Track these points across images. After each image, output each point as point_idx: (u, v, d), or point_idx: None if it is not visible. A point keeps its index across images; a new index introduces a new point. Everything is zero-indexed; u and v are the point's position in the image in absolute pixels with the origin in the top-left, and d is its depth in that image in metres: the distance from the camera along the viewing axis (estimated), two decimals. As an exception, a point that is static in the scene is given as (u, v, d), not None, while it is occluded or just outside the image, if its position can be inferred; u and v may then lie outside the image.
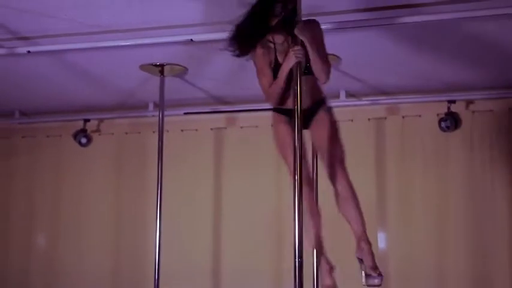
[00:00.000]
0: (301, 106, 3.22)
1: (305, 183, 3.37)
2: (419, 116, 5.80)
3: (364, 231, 3.64)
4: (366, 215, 5.74)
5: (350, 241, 5.79)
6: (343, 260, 5.73)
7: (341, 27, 4.02)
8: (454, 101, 5.61)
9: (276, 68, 3.44)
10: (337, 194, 3.59)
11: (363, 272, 3.60)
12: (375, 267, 3.54)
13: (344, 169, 3.52)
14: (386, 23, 3.93)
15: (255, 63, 3.55)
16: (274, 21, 3.42)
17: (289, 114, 3.36)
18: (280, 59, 3.44)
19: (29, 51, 4.48)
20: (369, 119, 5.90)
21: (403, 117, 5.84)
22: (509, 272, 5.41)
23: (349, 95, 5.78)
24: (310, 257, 4.53)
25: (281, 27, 3.43)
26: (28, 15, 4.03)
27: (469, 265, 5.51)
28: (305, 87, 3.35)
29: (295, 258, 3.11)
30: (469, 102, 5.70)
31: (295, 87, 3.26)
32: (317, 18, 3.90)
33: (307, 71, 3.43)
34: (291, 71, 3.34)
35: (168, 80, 5.26)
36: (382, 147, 5.82)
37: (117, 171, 6.58)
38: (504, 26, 4.13)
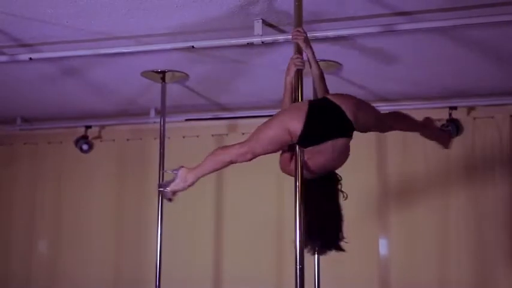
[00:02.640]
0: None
1: None
2: (421, 122, 5.79)
3: None
4: (367, 222, 5.79)
5: (351, 247, 5.81)
6: (345, 265, 5.77)
7: (342, 34, 4.02)
8: (455, 107, 5.60)
9: None
10: None
11: None
12: None
13: None
14: (387, 30, 3.91)
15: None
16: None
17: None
18: None
19: (30, 58, 4.45)
20: (370, 126, 5.89)
21: (404, 123, 5.83)
22: (511, 280, 5.40)
23: (350, 101, 5.76)
24: (312, 264, 4.52)
25: None
26: (30, 22, 4.02)
27: (471, 272, 5.50)
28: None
29: (296, 264, 3.08)
30: (470, 109, 5.70)
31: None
32: (318, 25, 3.93)
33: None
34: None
35: (170, 87, 5.26)
36: (383, 154, 5.81)
37: (119, 178, 6.59)
38: (505, 32, 4.12)
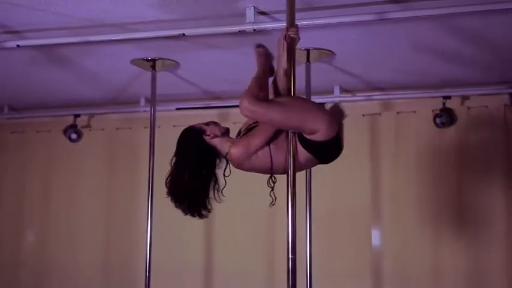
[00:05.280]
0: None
1: None
2: (414, 112, 5.77)
3: None
4: (360, 212, 5.77)
5: (344, 238, 5.80)
6: (338, 256, 5.75)
7: (335, 22, 3.97)
8: (449, 97, 5.56)
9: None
10: None
11: None
12: None
13: None
14: (380, 18, 3.88)
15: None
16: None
17: None
18: None
19: (18, 45, 4.39)
20: (363, 115, 5.86)
21: (397, 113, 5.80)
22: (505, 268, 5.40)
23: (343, 90, 5.74)
24: (304, 254, 4.50)
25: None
26: (17, 9, 3.96)
27: (464, 262, 5.48)
28: None
29: (288, 254, 3.08)
30: (464, 98, 5.66)
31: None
32: (311, 13, 3.88)
33: None
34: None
35: (160, 75, 5.20)
36: (376, 143, 5.78)
37: (108, 167, 6.53)
38: (499, 21, 4.09)
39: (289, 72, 3.27)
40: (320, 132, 3.12)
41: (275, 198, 3.28)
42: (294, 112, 3.13)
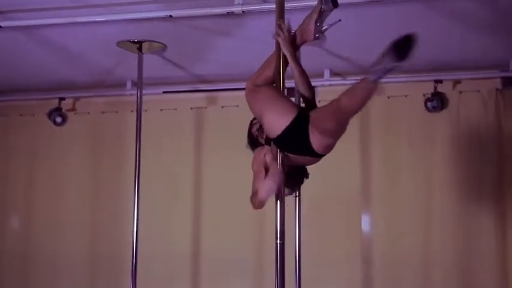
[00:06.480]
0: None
1: None
2: (405, 96, 5.72)
3: None
4: (350, 197, 5.73)
5: (334, 224, 5.76)
6: (327, 241, 5.71)
7: (326, 3, 3.91)
8: (440, 81, 5.53)
9: None
10: None
11: None
12: None
13: None
14: (370, 0, 3.82)
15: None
16: None
17: None
18: None
19: (0, 26, 4.32)
20: (353, 99, 5.80)
21: (388, 97, 5.74)
22: (495, 253, 5.36)
23: (334, 73, 5.69)
24: (293, 240, 4.45)
25: None
26: (0, -11, 3.90)
27: (455, 248, 5.45)
28: None
29: (276, 240, 3.07)
30: (456, 82, 5.62)
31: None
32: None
33: None
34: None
35: (147, 58, 5.13)
36: (367, 128, 5.73)
37: (94, 152, 6.45)
38: (491, 4, 4.06)
39: (278, 70, 3.29)
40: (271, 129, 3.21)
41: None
42: (264, 103, 3.23)
